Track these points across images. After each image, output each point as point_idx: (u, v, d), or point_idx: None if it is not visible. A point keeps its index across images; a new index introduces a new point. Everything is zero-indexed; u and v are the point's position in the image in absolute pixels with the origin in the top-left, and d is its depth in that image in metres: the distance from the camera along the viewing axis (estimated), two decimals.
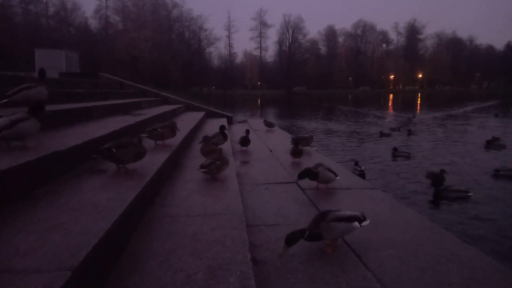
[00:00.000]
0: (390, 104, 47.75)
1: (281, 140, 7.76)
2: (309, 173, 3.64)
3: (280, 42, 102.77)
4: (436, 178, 7.58)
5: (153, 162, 3.30)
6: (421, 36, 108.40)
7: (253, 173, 4.60)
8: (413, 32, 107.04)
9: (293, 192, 3.78)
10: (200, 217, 2.52)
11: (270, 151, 6.31)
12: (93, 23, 75.79)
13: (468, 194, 7.17)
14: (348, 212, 2.40)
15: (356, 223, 2.37)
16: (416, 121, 22.68)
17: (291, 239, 2.11)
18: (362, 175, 8.66)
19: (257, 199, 3.52)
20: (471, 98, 59.19)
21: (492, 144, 13.15)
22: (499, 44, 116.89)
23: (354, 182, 4.34)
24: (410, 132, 16.42)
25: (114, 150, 2.81)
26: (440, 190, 7.17)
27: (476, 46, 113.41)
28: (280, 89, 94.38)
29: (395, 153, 11.30)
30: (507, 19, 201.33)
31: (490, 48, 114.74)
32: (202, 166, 3.51)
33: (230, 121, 11.87)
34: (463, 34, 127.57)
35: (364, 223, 2.44)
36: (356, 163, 9.31)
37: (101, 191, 2.40)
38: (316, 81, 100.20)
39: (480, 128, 19.49)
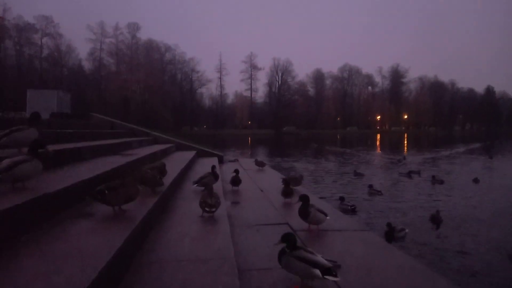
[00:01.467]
0: (378, 145, 48.59)
1: (272, 179, 7.75)
2: (301, 213, 3.65)
3: (270, 84, 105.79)
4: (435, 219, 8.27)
5: (142, 204, 3.25)
6: (404, 80, 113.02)
7: (244, 214, 4.54)
8: (396, 75, 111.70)
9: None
10: (190, 263, 2.44)
11: (261, 191, 6.28)
12: (87, 65, 77.28)
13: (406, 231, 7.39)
14: (314, 257, 2.29)
15: (317, 271, 2.22)
16: (407, 162, 22.94)
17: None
18: (353, 210, 9.22)
19: (248, 241, 3.45)
20: (454, 139, 60.70)
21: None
22: (479, 88, 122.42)
23: (346, 223, 4.30)
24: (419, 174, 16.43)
25: (106, 192, 2.77)
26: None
27: (458, 90, 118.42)
28: (270, 129, 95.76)
29: (370, 190, 11.90)
30: (486, 63, 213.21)
31: (471, 91, 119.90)
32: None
33: (221, 160, 11.87)
34: (444, 78, 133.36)
35: (331, 278, 2.24)
36: (342, 199, 9.56)
37: (88, 236, 2.33)
38: (304, 122, 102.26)
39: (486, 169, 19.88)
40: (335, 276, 2.26)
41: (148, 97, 71.73)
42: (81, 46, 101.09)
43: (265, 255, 3.06)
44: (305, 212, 3.68)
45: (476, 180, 14.46)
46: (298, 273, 2.33)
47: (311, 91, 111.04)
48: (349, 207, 9.23)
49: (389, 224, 7.35)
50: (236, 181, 6.20)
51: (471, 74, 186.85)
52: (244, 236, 3.62)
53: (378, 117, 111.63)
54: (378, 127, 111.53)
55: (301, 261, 2.26)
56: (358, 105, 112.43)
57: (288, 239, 2.39)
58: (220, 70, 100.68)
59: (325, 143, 45.67)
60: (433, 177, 14.46)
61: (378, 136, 76.54)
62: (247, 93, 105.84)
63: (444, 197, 11.92)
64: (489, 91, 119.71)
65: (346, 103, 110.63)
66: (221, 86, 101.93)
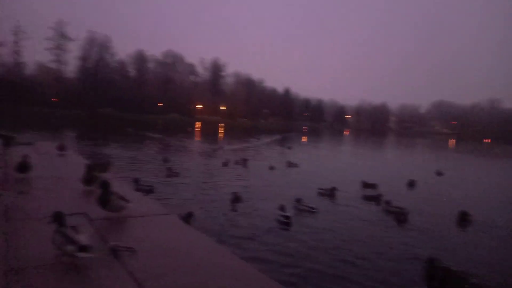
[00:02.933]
0: (197, 133, 50.86)
1: (74, 166, 6.97)
2: (100, 201, 3.45)
3: (84, 59, 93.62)
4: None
5: None
6: (222, 73, 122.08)
7: (34, 205, 3.93)
8: (216, 69, 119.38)
9: (80, 224, 3.44)
10: None
11: (59, 178, 5.57)
12: None
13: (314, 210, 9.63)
14: (75, 236, 2.49)
15: (72, 247, 2.45)
16: (226, 150, 25.01)
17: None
18: (151, 191, 10.30)
19: (33, 236, 3.01)
20: (261, 131, 70.30)
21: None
22: (280, 88, 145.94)
23: (148, 208, 4.34)
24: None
25: None
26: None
27: (264, 88, 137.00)
28: (83, 109, 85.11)
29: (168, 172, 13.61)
30: (288, 67, 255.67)
31: (273, 90, 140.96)
32: None
33: (8, 142, 9.74)
34: (254, 76, 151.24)
35: (83, 255, 2.46)
36: (137, 181, 10.66)
37: None
38: (125, 104, 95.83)
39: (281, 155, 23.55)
40: (90, 253, 2.49)
41: None
42: None
43: (52, 250, 2.75)
44: (104, 199, 3.52)
45: (272, 167, 17.38)
46: (58, 247, 2.52)
47: (132, 72, 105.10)
48: (147, 188, 10.31)
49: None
50: (23, 167, 5.24)
51: (275, 76, 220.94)
52: (28, 230, 3.14)
53: (199, 106, 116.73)
54: (198, 116, 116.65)
55: (61, 237, 2.47)
56: (180, 92, 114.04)
57: (56, 217, 2.62)
58: (17, 32, 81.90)
59: (145, 129, 44.33)
60: (244, 160, 18.02)
61: (198, 124, 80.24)
62: (54, 65, 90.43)
63: (245, 181, 13.78)
64: (287, 91, 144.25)
65: (168, 89, 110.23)
66: (18, 52, 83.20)
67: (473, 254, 7.61)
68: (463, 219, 9.96)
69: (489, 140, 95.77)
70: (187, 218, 7.40)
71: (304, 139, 52.47)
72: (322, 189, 12.26)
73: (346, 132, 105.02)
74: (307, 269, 6.05)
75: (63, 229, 2.55)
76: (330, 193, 12.03)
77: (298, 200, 9.96)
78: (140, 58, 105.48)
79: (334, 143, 50.49)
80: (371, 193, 12.46)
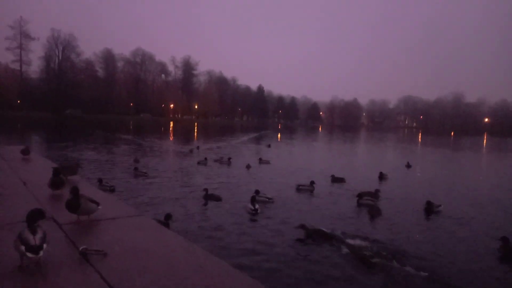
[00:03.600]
0: (171, 133, 50.07)
1: (41, 170, 6.68)
2: (69, 206, 3.33)
3: (48, 58, 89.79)
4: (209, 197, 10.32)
5: None
6: (195, 72, 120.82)
7: None
8: (188, 67, 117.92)
9: (48, 230, 3.31)
10: None
11: (24, 183, 5.32)
12: None
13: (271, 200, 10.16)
14: (27, 236, 2.41)
15: (22, 248, 2.38)
16: (201, 151, 24.74)
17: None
18: (112, 190, 10.37)
19: None
20: (236, 129, 70.31)
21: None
22: (254, 86, 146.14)
23: (120, 210, 4.23)
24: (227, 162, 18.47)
25: None
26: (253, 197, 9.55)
27: (237, 86, 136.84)
28: (48, 111, 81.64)
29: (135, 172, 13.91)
30: (260, 64, 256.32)
31: (247, 88, 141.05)
32: None
33: None
34: (228, 74, 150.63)
35: (29, 254, 2.37)
36: (100, 181, 10.86)
37: None
38: (93, 105, 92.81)
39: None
40: (36, 254, 2.39)
41: None
42: None
43: (16, 260, 2.63)
44: (74, 204, 3.40)
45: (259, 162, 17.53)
46: (15, 249, 2.45)
47: (100, 72, 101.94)
48: (108, 187, 10.45)
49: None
50: None
51: (248, 74, 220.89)
52: None
53: (171, 105, 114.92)
54: (171, 115, 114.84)
55: (17, 238, 2.41)
56: (151, 92, 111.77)
57: (29, 217, 2.56)
58: None
59: (116, 130, 43.15)
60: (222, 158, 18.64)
61: (171, 124, 78.98)
62: (16, 66, 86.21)
63: (220, 179, 13.75)
64: (260, 89, 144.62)
65: (139, 88, 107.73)
66: None
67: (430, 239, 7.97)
68: (429, 209, 10.39)
69: (453, 133, 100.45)
70: (166, 219, 7.31)
71: (277, 136, 52.94)
72: (301, 185, 12.50)
73: (319, 128, 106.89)
74: (273, 256, 6.29)
75: (22, 230, 2.47)
76: (308, 188, 12.30)
77: (257, 192, 10.32)
78: (108, 57, 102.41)
79: (309, 140, 51.25)
80: (366, 199, 11.05)
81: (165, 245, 3.15)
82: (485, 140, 68.71)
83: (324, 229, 7.69)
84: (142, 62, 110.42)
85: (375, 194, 11.19)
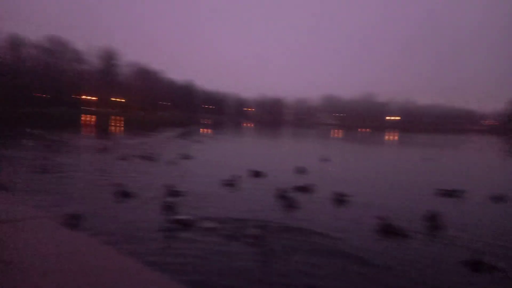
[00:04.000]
0: (89, 127, 46.56)
1: None
2: None
3: None
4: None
5: None
6: (116, 62, 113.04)
7: None
8: (109, 57, 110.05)
9: None
10: None
11: None
12: None
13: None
14: None
15: None
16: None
17: None
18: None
19: None
20: (161, 124, 67.94)
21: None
22: (184, 80, 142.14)
23: (23, 212, 4.10)
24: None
25: None
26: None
27: (161, 78, 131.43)
28: None
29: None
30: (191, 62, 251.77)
31: (172, 82, 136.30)
32: None
33: None
34: (158, 68, 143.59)
35: None
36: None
37: None
38: None
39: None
40: None
41: None
42: None
43: None
44: None
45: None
46: None
47: (4, 59, 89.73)
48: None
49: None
50: None
51: (181, 69, 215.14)
52: None
53: (90, 98, 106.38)
54: (90, 108, 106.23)
55: None
56: (67, 83, 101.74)
57: None
58: None
59: (22, 124, 38.70)
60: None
61: (92, 118, 73.33)
62: None
63: (138, 175, 13.48)
64: (188, 83, 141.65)
65: (53, 78, 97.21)
66: None
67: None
68: (339, 199, 11.46)
69: (369, 130, 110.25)
70: (74, 220, 7.01)
71: (205, 131, 52.75)
72: (227, 180, 12.81)
73: (247, 124, 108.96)
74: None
75: None
76: (232, 183, 12.70)
77: (168, 186, 10.69)
78: (14, 43, 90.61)
79: (235, 135, 52.04)
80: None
81: (74, 248, 3.13)
82: (395, 137, 76.92)
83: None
84: (53, 50, 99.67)
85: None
